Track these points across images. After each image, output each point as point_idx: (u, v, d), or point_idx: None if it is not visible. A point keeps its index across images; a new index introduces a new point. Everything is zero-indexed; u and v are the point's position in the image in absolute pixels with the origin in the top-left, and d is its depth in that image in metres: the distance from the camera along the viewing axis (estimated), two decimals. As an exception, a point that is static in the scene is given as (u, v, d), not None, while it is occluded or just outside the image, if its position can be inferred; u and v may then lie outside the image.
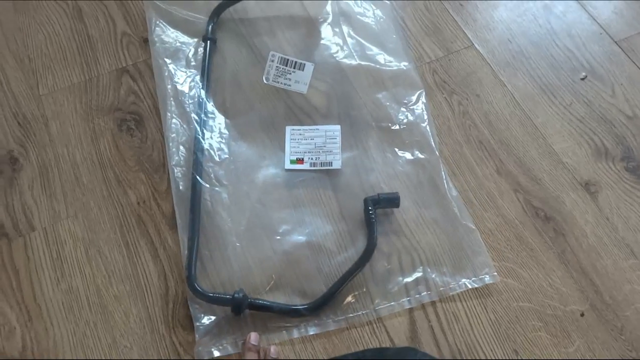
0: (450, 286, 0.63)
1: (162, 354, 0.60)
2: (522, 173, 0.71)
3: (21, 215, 0.68)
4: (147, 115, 0.75)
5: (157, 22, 0.81)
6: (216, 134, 0.73)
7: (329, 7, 0.83)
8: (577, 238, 0.66)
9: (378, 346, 0.60)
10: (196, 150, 0.70)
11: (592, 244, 0.66)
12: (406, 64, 0.78)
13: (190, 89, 0.76)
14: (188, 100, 0.75)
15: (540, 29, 0.83)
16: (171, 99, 0.74)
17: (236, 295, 0.60)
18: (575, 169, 0.71)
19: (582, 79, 0.78)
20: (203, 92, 0.75)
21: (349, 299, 0.62)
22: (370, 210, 0.64)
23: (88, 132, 0.74)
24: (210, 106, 0.75)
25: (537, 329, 0.61)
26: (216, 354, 0.59)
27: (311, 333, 0.61)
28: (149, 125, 0.74)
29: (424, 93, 0.76)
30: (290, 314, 0.61)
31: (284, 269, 0.64)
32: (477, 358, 0.59)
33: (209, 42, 0.78)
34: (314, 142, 0.71)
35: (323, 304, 0.61)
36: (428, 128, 0.73)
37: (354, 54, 0.79)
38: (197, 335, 0.60)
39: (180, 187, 0.68)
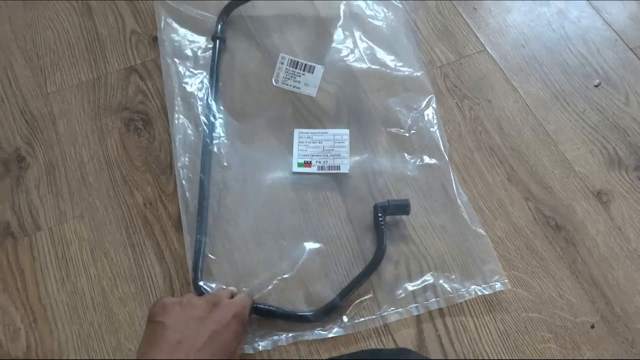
0: (459, 293, 0.62)
1: (167, 357, 0.60)
2: (533, 181, 0.70)
3: (27, 214, 0.68)
4: (155, 115, 0.75)
5: (167, 21, 0.80)
6: (224, 135, 0.72)
7: (340, 10, 0.82)
8: (588, 248, 0.65)
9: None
10: (203, 151, 0.69)
11: (603, 255, 0.65)
12: (417, 67, 0.77)
13: (199, 89, 0.75)
14: (196, 101, 0.74)
15: (554, 34, 0.82)
16: (179, 99, 0.74)
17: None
18: (587, 177, 0.70)
19: (596, 86, 0.77)
20: (211, 93, 0.74)
21: (356, 304, 0.61)
22: (380, 217, 0.63)
23: (95, 131, 0.74)
24: (218, 107, 0.74)
25: (547, 340, 0.60)
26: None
27: (316, 338, 0.60)
28: (157, 126, 0.74)
29: (434, 98, 0.75)
30: (296, 319, 0.60)
31: (290, 273, 0.64)
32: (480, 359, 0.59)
33: (218, 41, 0.77)
34: (322, 146, 0.71)
35: (329, 311, 0.60)
36: (438, 133, 0.72)
37: (365, 57, 0.78)
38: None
39: (187, 189, 0.67)
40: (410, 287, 0.63)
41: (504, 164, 0.71)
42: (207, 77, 0.76)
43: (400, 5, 0.83)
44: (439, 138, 0.72)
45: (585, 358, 0.59)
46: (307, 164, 0.70)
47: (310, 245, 0.65)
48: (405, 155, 0.71)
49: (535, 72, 0.78)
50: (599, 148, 0.72)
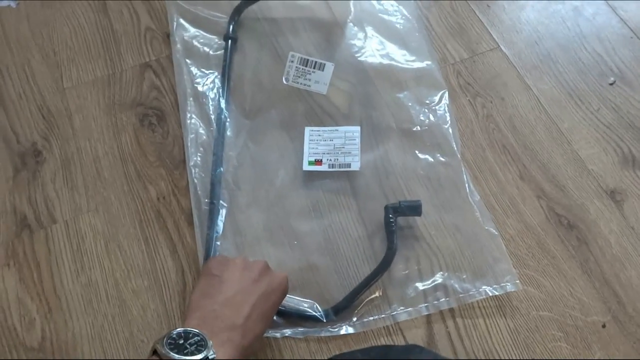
0: (470, 293, 0.62)
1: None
2: (546, 179, 0.69)
3: (43, 207, 0.69)
4: (169, 111, 0.76)
5: (179, 21, 0.81)
6: (235, 134, 0.73)
7: (351, 6, 0.82)
8: (600, 247, 0.65)
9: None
10: (215, 150, 0.70)
11: (616, 254, 0.64)
12: (429, 63, 0.77)
13: (210, 89, 0.76)
14: (208, 101, 0.75)
15: (569, 31, 0.81)
16: (191, 98, 0.74)
17: None
18: (600, 176, 0.69)
19: (611, 84, 0.76)
20: (223, 92, 0.75)
21: (366, 303, 0.62)
22: (391, 218, 0.63)
23: (110, 127, 0.75)
24: (230, 106, 0.75)
25: (557, 339, 0.60)
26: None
27: (327, 335, 0.60)
28: (171, 121, 0.75)
29: (447, 93, 0.75)
30: (305, 319, 0.61)
31: (301, 271, 0.64)
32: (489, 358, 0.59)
33: (229, 41, 0.78)
34: (333, 144, 0.71)
35: (339, 312, 0.61)
36: (450, 130, 0.72)
37: (377, 53, 0.78)
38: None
39: (198, 188, 0.68)
40: (420, 286, 0.63)
41: (517, 162, 0.71)
42: (219, 76, 0.76)
43: (413, 2, 0.83)
44: (451, 135, 0.71)
45: (595, 357, 0.59)
46: (318, 162, 0.70)
47: (321, 244, 0.66)
48: (417, 152, 0.71)
49: (549, 70, 0.78)
50: (613, 147, 0.71)
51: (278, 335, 0.60)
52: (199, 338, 0.46)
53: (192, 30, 0.81)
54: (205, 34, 0.81)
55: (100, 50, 0.81)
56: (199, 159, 0.70)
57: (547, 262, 0.64)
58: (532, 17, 0.83)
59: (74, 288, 0.64)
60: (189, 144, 0.71)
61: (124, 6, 0.85)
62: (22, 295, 0.63)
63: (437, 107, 0.74)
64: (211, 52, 0.79)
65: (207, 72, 0.77)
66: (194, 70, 0.77)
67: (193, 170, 0.69)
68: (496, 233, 0.65)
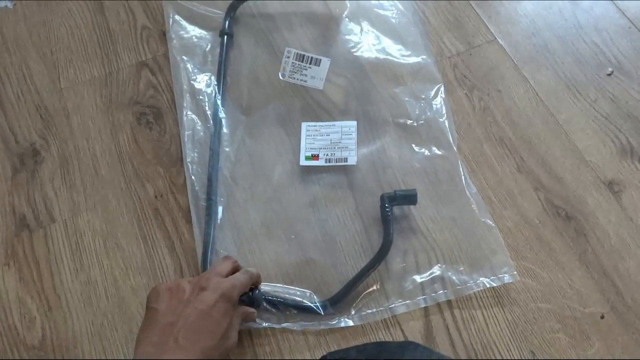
0: (468, 285, 0.62)
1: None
2: (543, 171, 0.69)
3: (42, 207, 0.69)
4: (166, 109, 0.76)
5: (175, 19, 0.81)
6: (232, 130, 0.73)
7: (347, 1, 0.82)
8: (599, 238, 0.65)
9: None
10: (212, 147, 0.70)
11: (614, 245, 0.64)
12: (425, 57, 0.77)
13: (207, 85, 0.76)
14: (204, 97, 0.75)
15: (566, 22, 0.80)
16: (187, 95, 0.75)
17: (252, 294, 0.59)
18: (599, 167, 0.69)
19: (609, 75, 0.76)
20: (219, 89, 0.75)
21: (364, 296, 0.62)
22: (387, 207, 0.63)
23: (107, 125, 0.75)
24: (226, 103, 0.75)
25: (555, 330, 0.60)
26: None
27: (325, 328, 0.61)
28: (168, 119, 0.75)
29: (442, 87, 0.74)
30: (302, 310, 0.61)
31: (299, 266, 0.64)
32: (490, 358, 0.59)
33: (225, 37, 0.78)
34: (329, 138, 0.71)
35: (337, 302, 0.61)
36: (447, 124, 0.72)
37: (373, 48, 0.78)
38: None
39: (196, 185, 0.68)
40: (418, 279, 0.63)
41: (514, 155, 0.70)
42: (216, 73, 0.76)
43: (409, -5, 0.83)
44: (448, 128, 0.71)
45: (594, 349, 0.59)
46: (315, 157, 0.70)
47: (318, 238, 0.66)
48: (414, 146, 0.71)
49: (546, 61, 0.77)
50: (611, 138, 0.71)
51: (276, 326, 0.60)
52: None
53: (188, 27, 0.81)
54: (201, 30, 0.81)
55: (97, 50, 0.82)
56: (196, 155, 0.71)
57: (545, 254, 0.64)
58: (529, 8, 0.82)
59: (74, 286, 0.64)
60: (185, 141, 0.71)
61: (120, 5, 0.85)
62: (22, 294, 0.64)
63: (433, 101, 0.73)
64: (207, 49, 0.79)
65: (203, 68, 0.77)
66: (190, 67, 0.77)
67: (190, 167, 0.70)
68: (493, 225, 0.65)
